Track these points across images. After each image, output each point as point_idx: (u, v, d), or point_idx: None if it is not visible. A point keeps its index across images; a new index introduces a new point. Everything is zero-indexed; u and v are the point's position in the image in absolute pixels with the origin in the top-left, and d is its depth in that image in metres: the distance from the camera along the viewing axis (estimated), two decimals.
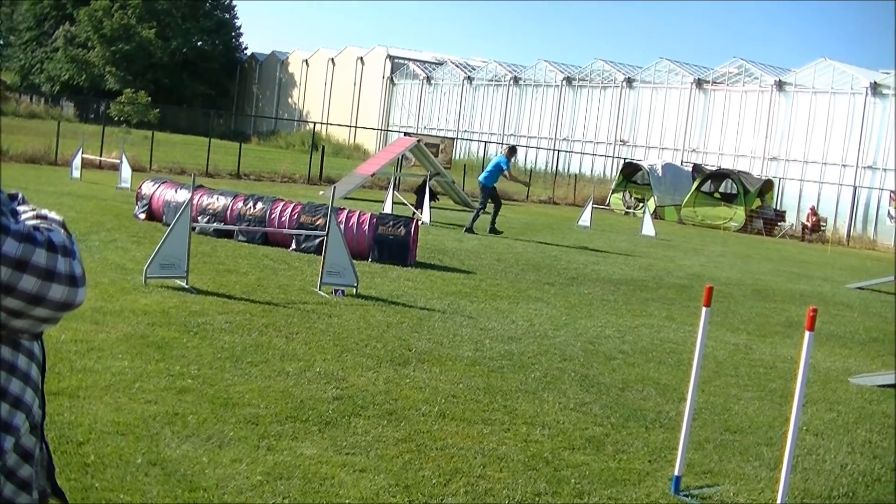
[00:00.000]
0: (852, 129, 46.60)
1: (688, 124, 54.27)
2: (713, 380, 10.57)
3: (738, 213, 42.80)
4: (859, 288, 22.71)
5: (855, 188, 45.67)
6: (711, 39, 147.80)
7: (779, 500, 6.23)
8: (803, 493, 7.16)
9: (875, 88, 45.96)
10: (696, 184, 44.53)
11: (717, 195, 46.27)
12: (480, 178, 25.49)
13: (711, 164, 50.48)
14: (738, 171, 46.30)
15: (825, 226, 44.29)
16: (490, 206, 25.10)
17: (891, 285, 22.65)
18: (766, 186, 44.72)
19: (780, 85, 50.08)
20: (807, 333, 6.20)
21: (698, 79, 54.15)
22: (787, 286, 21.28)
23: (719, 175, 46.57)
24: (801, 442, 8.49)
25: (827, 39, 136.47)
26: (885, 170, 45.27)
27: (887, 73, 46.42)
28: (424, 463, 6.85)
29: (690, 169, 47.12)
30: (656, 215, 41.64)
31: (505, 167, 25.03)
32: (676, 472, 6.87)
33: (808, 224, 43.29)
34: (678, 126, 54.74)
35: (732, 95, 52.64)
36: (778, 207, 46.87)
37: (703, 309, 6.94)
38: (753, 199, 43.25)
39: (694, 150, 53.49)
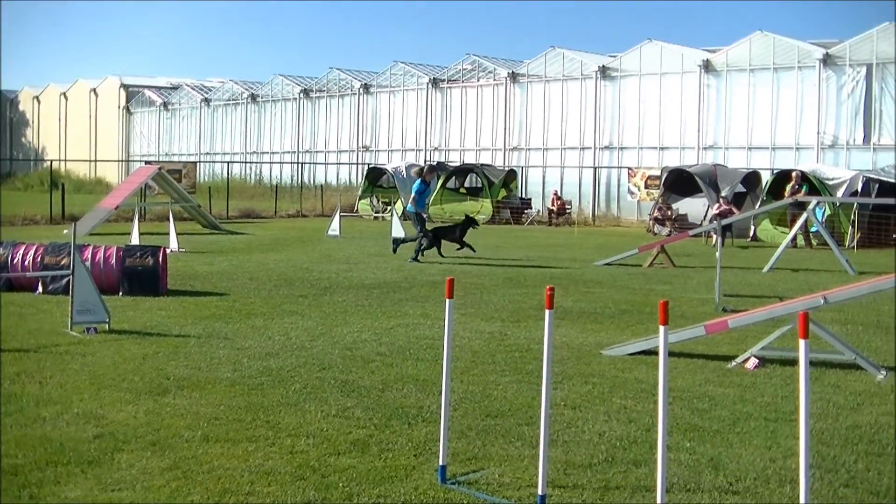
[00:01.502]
0: (586, 112, 48.19)
1: (427, 124, 55.02)
2: (471, 369, 10.78)
3: (485, 206, 43.64)
4: (607, 264, 23.52)
5: (595, 169, 47.22)
6: (444, 39, 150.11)
7: (539, 476, 6.40)
8: (565, 465, 7.38)
9: (604, 72, 47.62)
10: (440, 181, 45.14)
11: (462, 190, 47.06)
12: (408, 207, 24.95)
13: (454, 160, 51.30)
14: (482, 165, 47.23)
15: (570, 208, 45.62)
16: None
17: (635, 258, 23.59)
18: (510, 176, 45.75)
19: (514, 76, 51.30)
20: (547, 312, 6.41)
21: (434, 78, 54.97)
22: (538, 271, 21.87)
23: (463, 170, 47.37)
24: (559, 416, 8.77)
25: (555, 30, 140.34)
26: (621, 149, 46.93)
27: (613, 57, 48.15)
28: (192, 488, 6.77)
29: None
30: (405, 217, 42.08)
31: (415, 192, 24.52)
32: (441, 463, 6.99)
33: (554, 208, 44.48)
34: (418, 126, 55.47)
35: (469, 91, 53.63)
36: (523, 196, 48.05)
37: (447, 301, 7.07)
38: (499, 189, 44.18)
39: (436, 149, 54.25)
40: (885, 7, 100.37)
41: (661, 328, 5.80)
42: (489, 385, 10.04)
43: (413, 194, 24.52)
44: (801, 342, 5.41)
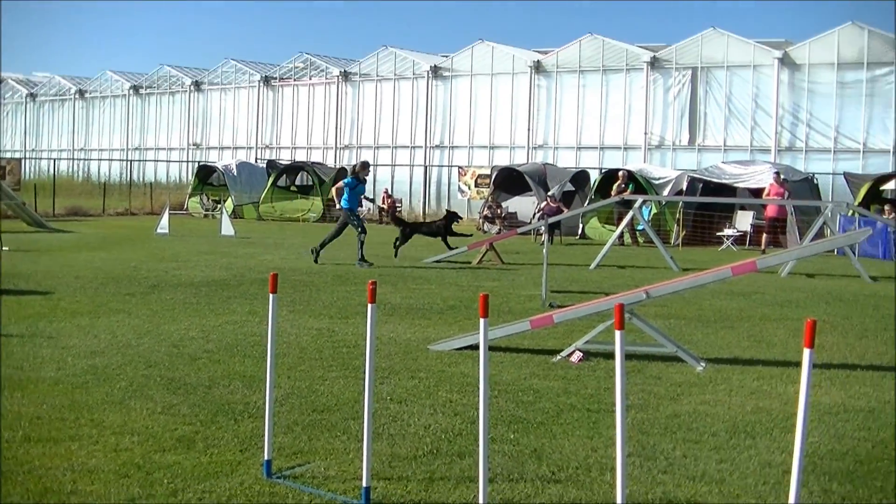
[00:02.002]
0: (418, 111, 48.48)
1: (259, 122, 54.70)
2: (299, 365, 10.81)
3: (315, 204, 43.61)
4: (436, 261, 23.75)
5: (426, 168, 47.52)
6: (276, 37, 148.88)
7: (363, 468, 6.48)
8: (390, 458, 7.47)
9: (436, 71, 47.95)
10: (271, 179, 44.95)
11: (293, 188, 46.93)
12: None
13: (286, 158, 51.11)
14: (313, 163, 47.14)
15: (401, 207, 45.78)
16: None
17: (465, 255, 23.87)
18: (341, 175, 45.65)
19: (346, 75, 51.34)
20: (369, 306, 6.50)
21: (266, 76, 54.70)
22: (368, 269, 21.95)
23: (294, 168, 47.22)
24: (385, 410, 8.87)
25: (388, 29, 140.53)
26: (452, 147, 47.33)
27: (445, 57, 48.51)
28: (13, 489, 6.66)
29: (265, 165, 47.46)
30: (235, 215, 41.83)
31: (349, 186, 23.46)
32: (266, 457, 7.02)
33: (385, 206, 44.59)
34: (249, 124, 55.14)
35: (301, 89, 53.51)
36: None
37: (270, 296, 7.11)
38: (329, 188, 44.11)
39: (267, 147, 53.98)
40: (709, 8, 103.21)
41: (482, 320, 5.95)
42: (316, 381, 10.09)
43: (346, 192, 23.44)
44: (617, 333, 5.61)
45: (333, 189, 24.01)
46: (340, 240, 23.74)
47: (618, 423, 5.56)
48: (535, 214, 35.51)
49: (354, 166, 24.59)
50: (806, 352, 5.13)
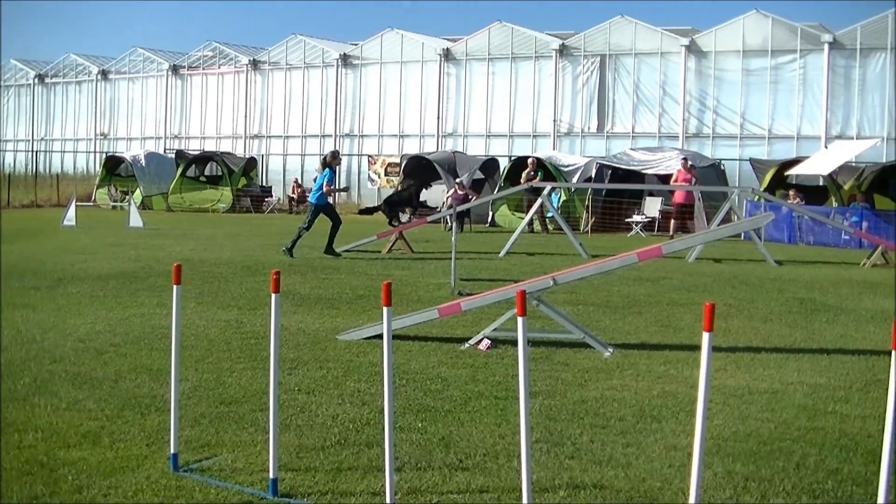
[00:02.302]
0: (328, 100, 48.35)
1: (167, 111, 54.19)
2: (206, 357, 10.74)
3: (225, 194, 43.34)
4: (346, 251, 23.68)
5: None
6: (185, 25, 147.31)
7: (270, 460, 6.47)
8: (298, 448, 7.46)
9: (345, 60, 47.85)
10: (180, 170, 44.56)
11: (202, 179, 46.57)
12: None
13: (195, 148, 50.70)
14: (222, 153, 46.84)
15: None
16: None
17: (375, 244, 23.87)
18: (250, 164, 45.51)
19: (256, 64, 51.04)
20: (273, 296, 6.47)
21: (174, 65, 54.19)
22: (277, 258, 21.88)
23: (203, 158, 46.86)
24: (293, 401, 8.85)
25: (297, 17, 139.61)
26: (362, 136, 47.28)
27: (355, 45, 48.41)
28: None
29: (174, 156, 47.02)
30: (144, 206, 41.42)
31: (323, 181, 23.17)
32: (173, 451, 6.97)
33: (294, 196, 44.49)
34: (158, 114, 54.62)
35: (210, 78, 53.10)
36: (264, 184, 47.92)
37: (174, 287, 7.07)
38: (239, 178, 43.93)
39: (176, 137, 53.50)
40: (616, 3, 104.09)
41: (385, 308, 5.97)
42: (224, 373, 10.03)
43: (322, 182, 23.11)
44: (519, 319, 5.65)
45: (326, 187, 23.30)
46: (312, 231, 23.45)
47: (521, 409, 5.61)
48: (444, 202, 35.60)
49: (325, 157, 24.26)
50: (705, 335, 5.20)
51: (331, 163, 23.55)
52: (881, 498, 4.93)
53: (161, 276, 18.26)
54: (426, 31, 49.31)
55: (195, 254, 22.73)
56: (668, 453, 7.53)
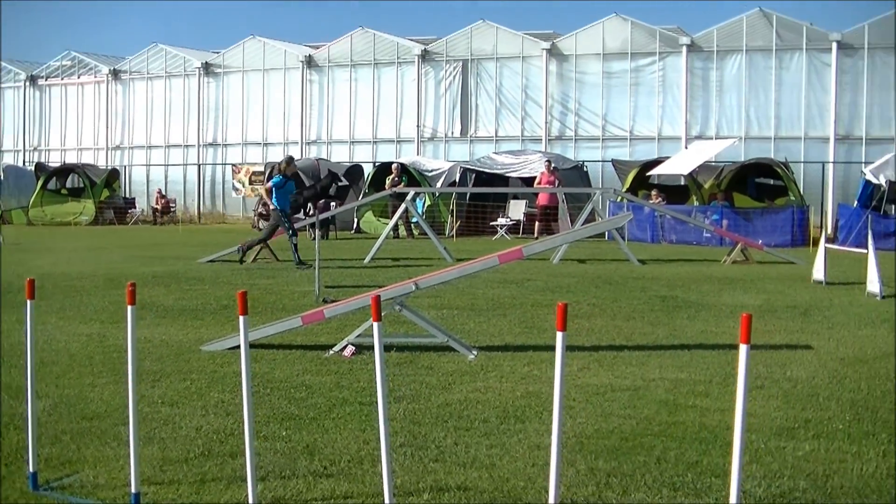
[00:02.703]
0: (190, 109, 47.94)
1: (25, 123, 53.10)
2: (68, 373, 10.58)
3: (87, 207, 42.67)
4: (210, 261, 23.52)
5: (199, 166, 47.01)
6: (42, 34, 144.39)
7: (131, 474, 6.42)
8: (161, 461, 7.40)
9: (207, 68, 47.50)
10: (40, 183, 43.74)
11: (64, 191, 45.77)
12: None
13: (55, 160, 49.82)
14: (83, 165, 46.11)
15: (175, 206, 45.20)
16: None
17: (238, 254, 23.71)
18: (113, 176, 44.89)
19: (116, 74, 50.37)
20: (129, 307, 6.42)
21: (31, 75, 53.13)
22: (141, 270, 21.63)
23: (64, 170, 46.07)
24: (156, 414, 8.78)
25: (157, 26, 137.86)
26: (225, 145, 46.98)
27: (217, 53, 48.07)
28: None
29: (33, 168, 46.13)
30: (4, 220, 40.57)
31: (276, 186, 22.57)
32: (31, 469, 6.87)
33: (158, 207, 44.01)
34: (16, 126, 53.54)
35: (69, 89, 52.25)
36: (127, 195, 47.32)
37: (28, 302, 6.96)
38: (101, 190, 43.29)
39: (35, 149, 52.47)
40: (477, 7, 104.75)
41: (241, 318, 5.97)
42: (86, 388, 9.90)
43: (273, 192, 22.58)
44: (375, 325, 5.72)
45: (263, 190, 22.96)
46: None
47: (380, 414, 5.69)
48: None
49: (279, 164, 23.80)
50: (559, 335, 5.33)
51: (284, 170, 23.12)
52: (733, 487, 5.08)
53: (21, 291, 17.78)
54: (288, 39, 49.11)
55: (56, 268, 22.32)
56: (531, 453, 7.63)
